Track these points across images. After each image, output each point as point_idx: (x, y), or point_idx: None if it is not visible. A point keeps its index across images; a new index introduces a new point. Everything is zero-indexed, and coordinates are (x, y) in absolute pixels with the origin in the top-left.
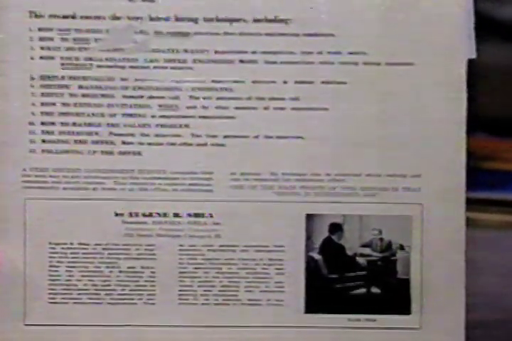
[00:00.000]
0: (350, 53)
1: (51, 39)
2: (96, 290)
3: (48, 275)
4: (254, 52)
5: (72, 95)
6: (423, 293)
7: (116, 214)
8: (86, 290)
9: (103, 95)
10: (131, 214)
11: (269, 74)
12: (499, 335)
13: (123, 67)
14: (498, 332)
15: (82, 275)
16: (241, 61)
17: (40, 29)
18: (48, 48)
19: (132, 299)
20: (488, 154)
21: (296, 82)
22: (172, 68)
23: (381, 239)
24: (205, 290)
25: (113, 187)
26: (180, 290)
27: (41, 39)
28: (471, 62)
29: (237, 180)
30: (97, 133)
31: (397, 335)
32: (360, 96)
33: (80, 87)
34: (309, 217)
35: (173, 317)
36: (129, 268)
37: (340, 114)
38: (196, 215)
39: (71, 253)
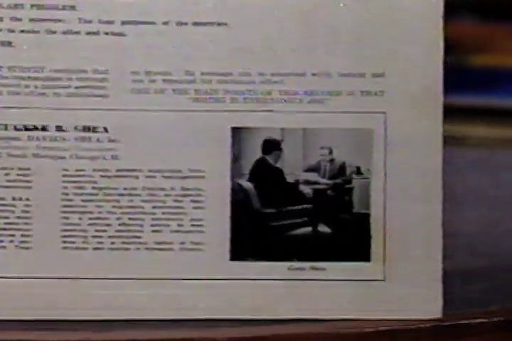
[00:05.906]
0: None
1: None
2: None
3: None
4: None
5: None
6: (387, 232)
7: None
8: None
9: None
10: None
11: None
12: (485, 287)
13: None
14: (482, 283)
15: None
16: None
17: None
18: None
19: (1, 241)
20: (478, 45)
21: None
22: None
23: (331, 161)
24: (97, 231)
25: None
26: (64, 230)
27: None
28: None
29: (141, 82)
30: None
31: (353, 288)
32: None
33: None
34: (236, 132)
35: (55, 265)
36: None
37: None
38: (86, 129)
39: None
